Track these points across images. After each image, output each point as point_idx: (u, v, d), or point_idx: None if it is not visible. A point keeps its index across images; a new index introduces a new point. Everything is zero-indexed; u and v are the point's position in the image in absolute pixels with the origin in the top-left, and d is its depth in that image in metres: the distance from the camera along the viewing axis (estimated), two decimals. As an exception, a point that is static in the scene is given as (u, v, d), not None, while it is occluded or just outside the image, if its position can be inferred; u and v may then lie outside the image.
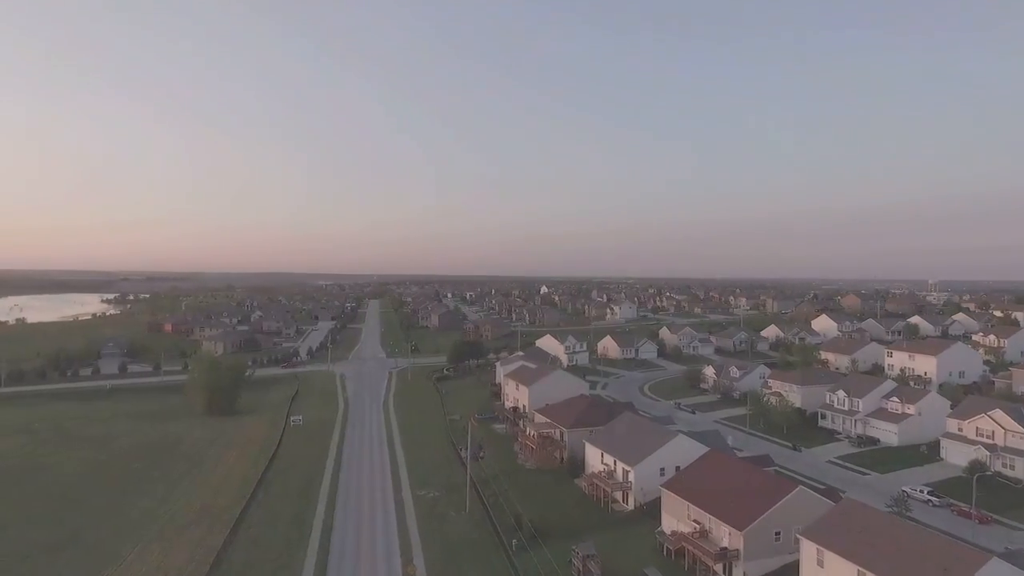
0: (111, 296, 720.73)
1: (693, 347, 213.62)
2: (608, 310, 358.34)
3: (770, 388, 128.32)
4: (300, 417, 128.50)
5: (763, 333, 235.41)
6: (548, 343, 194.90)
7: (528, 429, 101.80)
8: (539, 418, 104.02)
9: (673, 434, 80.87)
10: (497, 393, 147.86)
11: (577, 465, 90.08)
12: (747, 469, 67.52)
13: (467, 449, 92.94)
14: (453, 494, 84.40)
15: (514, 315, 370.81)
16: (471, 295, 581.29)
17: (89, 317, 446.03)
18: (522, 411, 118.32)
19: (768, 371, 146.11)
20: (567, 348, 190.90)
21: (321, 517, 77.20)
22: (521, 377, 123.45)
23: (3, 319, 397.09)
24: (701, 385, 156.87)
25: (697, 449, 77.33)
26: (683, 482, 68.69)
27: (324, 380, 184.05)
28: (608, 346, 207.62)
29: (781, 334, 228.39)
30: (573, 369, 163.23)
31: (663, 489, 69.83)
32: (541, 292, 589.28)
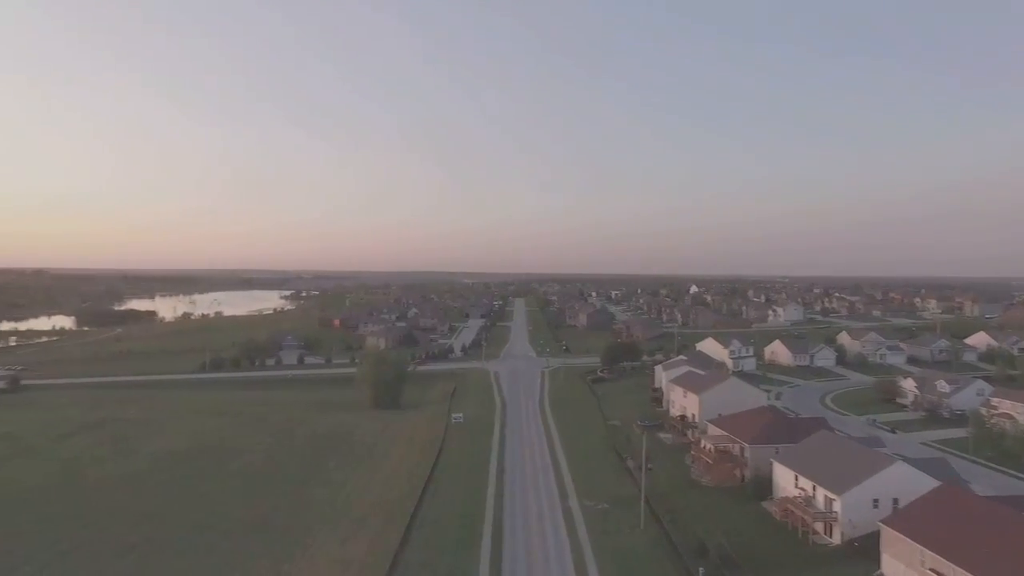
0: (287, 293, 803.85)
1: (880, 355, 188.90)
2: (770, 311, 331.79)
3: (995, 408, 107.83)
4: (461, 415, 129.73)
5: (968, 341, 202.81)
6: (710, 347, 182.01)
7: (703, 442, 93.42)
8: (714, 430, 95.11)
9: (890, 460, 68.92)
10: (657, 399, 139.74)
11: (762, 485, 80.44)
12: (1004, 513, 54.66)
13: (634, 459, 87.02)
14: (623, 507, 78.78)
15: (664, 315, 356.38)
16: (616, 294, 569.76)
17: (270, 312, 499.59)
18: (690, 420, 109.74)
19: (988, 387, 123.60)
20: (731, 352, 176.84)
21: (490, 521, 75.22)
22: (690, 384, 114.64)
23: (206, 312, 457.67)
24: (897, 400, 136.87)
25: (921, 480, 65.16)
26: (912, 520, 57.31)
27: (479, 378, 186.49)
28: (777, 351, 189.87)
29: (993, 343, 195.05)
30: (740, 376, 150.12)
31: (883, 526, 58.94)
32: (691, 291, 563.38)
